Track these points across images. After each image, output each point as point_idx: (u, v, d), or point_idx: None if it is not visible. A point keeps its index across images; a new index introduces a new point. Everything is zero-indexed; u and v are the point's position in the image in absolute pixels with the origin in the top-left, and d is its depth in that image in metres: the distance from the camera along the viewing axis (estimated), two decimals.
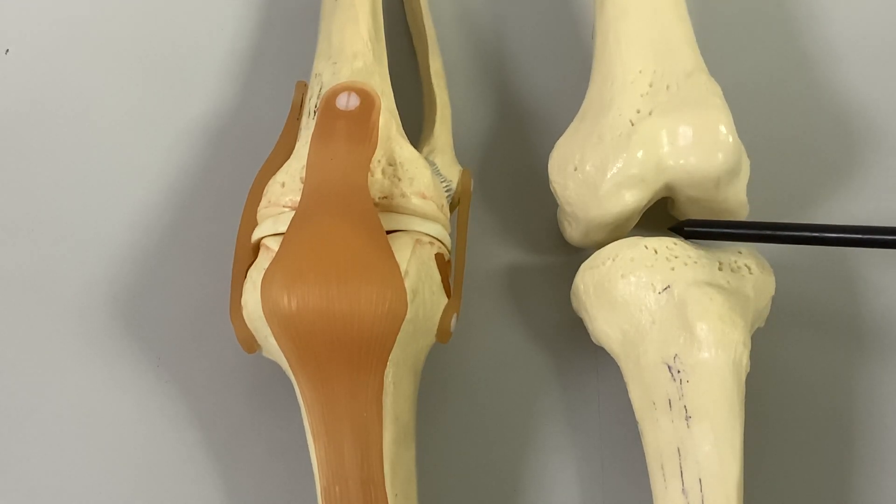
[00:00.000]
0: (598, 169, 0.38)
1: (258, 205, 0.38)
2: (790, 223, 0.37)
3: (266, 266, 0.36)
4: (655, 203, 0.40)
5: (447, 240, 0.38)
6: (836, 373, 0.40)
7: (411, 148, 0.39)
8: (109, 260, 0.43)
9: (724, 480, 0.33)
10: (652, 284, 0.36)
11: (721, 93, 0.39)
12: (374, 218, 0.35)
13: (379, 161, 0.38)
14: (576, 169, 0.39)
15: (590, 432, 0.40)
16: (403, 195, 0.37)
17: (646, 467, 0.35)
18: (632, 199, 0.38)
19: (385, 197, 0.37)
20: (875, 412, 0.40)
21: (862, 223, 0.43)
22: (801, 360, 0.40)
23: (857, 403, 0.40)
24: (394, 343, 0.35)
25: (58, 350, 0.41)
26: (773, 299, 0.38)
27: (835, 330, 0.41)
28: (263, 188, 0.39)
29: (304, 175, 0.37)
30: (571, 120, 0.41)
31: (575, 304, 0.39)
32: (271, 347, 0.36)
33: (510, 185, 0.44)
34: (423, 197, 0.37)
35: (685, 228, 0.38)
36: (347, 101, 0.37)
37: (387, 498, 0.34)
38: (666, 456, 0.34)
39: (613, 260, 0.37)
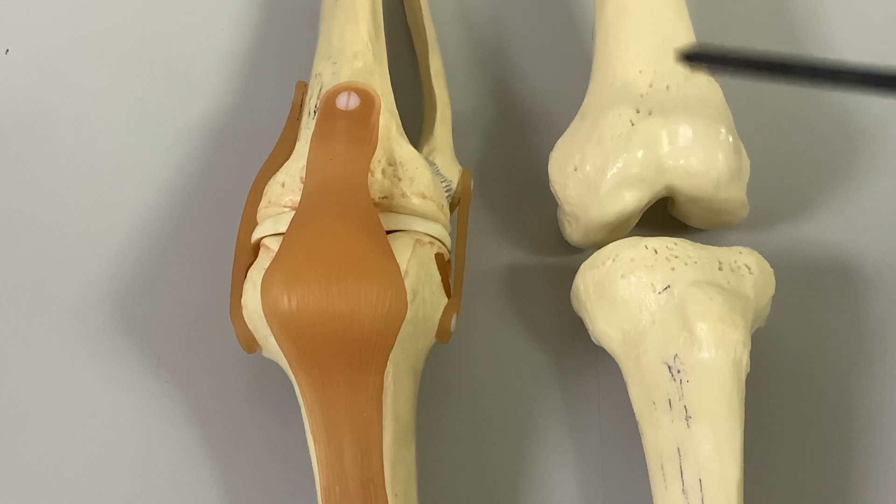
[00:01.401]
0: (598, 169, 0.38)
1: (258, 205, 0.38)
2: (801, 58, 0.33)
3: (266, 266, 0.35)
4: (655, 203, 0.40)
5: (447, 240, 0.38)
6: (836, 373, 0.40)
7: (411, 148, 0.39)
8: (109, 260, 0.43)
9: (724, 480, 0.33)
10: (652, 284, 0.36)
11: (721, 93, 0.39)
12: (374, 218, 0.35)
13: (379, 161, 0.38)
14: (576, 169, 0.39)
15: (590, 432, 0.39)
16: (403, 195, 0.37)
17: (646, 467, 0.35)
18: (632, 199, 0.38)
19: (385, 197, 0.37)
20: (875, 412, 0.39)
21: (861, 222, 0.43)
22: (801, 360, 0.40)
23: (857, 403, 0.40)
24: (394, 343, 0.35)
25: (58, 350, 0.41)
26: (773, 299, 0.38)
27: (835, 330, 0.41)
28: (263, 188, 0.39)
29: (304, 175, 0.37)
30: (571, 120, 0.41)
31: (575, 304, 0.39)
32: (271, 347, 0.36)
33: (510, 185, 0.44)
34: (423, 197, 0.37)
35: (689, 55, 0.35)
36: (347, 101, 0.37)
37: (387, 498, 0.34)
38: (666, 456, 0.34)
39: (613, 260, 0.37)
